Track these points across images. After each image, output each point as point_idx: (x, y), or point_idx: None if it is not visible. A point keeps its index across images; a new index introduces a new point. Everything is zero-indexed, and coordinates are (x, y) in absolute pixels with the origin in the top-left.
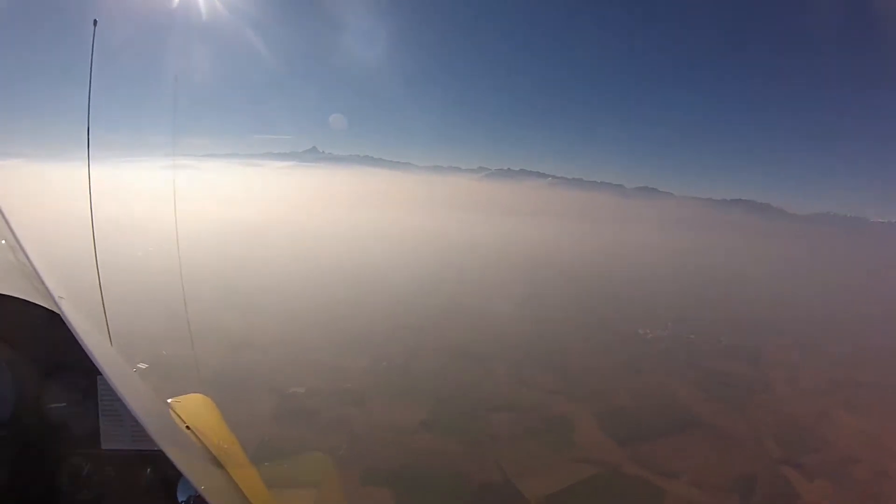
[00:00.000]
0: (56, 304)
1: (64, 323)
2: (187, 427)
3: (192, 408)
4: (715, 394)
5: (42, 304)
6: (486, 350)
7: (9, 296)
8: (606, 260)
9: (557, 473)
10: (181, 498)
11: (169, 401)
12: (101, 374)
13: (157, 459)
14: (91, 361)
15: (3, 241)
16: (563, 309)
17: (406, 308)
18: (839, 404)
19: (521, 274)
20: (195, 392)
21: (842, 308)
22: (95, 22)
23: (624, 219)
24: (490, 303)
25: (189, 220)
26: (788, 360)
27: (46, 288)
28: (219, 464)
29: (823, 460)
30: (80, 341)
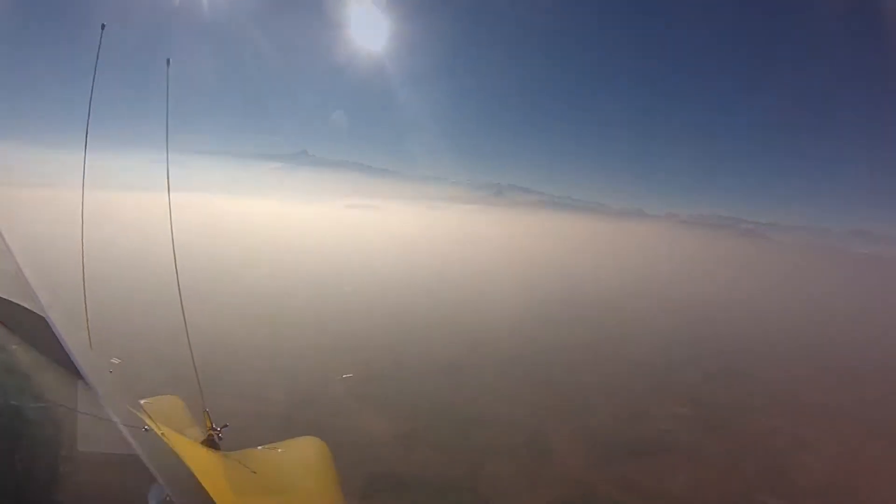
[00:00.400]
0: (41, 306)
1: (48, 325)
2: (155, 430)
3: (164, 409)
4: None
5: (26, 306)
6: (476, 362)
7: None
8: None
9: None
10: (152, 502)
11: (142, 402)
12: (80, 376)
13: (133, 463)
14: (72, 363)
15: None
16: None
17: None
18: (825, 429)
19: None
20: (168, 392)
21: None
22: (103, 26)
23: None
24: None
25: (179, 215)
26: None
27: (33, 290)
28: (187, 467)
29: (805, 488)
30: (62, 343)
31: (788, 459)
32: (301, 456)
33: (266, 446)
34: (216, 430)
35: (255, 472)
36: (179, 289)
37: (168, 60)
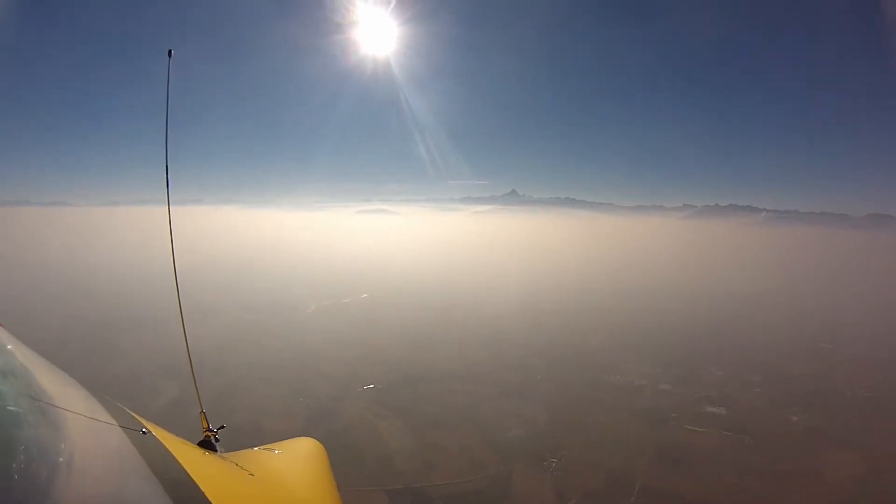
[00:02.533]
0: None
1: None
2: (153, 432)
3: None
4: None
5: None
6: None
7: None
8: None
9: None
10: None
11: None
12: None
13: (130, 465)
14: None
15: None
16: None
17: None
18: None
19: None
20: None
21: None
22: (170, 52)
23: (852, 252)
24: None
25: (393, 261)
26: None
27: None
28: (184, 470)
29: None
30: None
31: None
32: (297, 456)
33: (262, 447)
34: (213, 431)
35: (252, 475)
36: (180, 303)
37: (170, 52)
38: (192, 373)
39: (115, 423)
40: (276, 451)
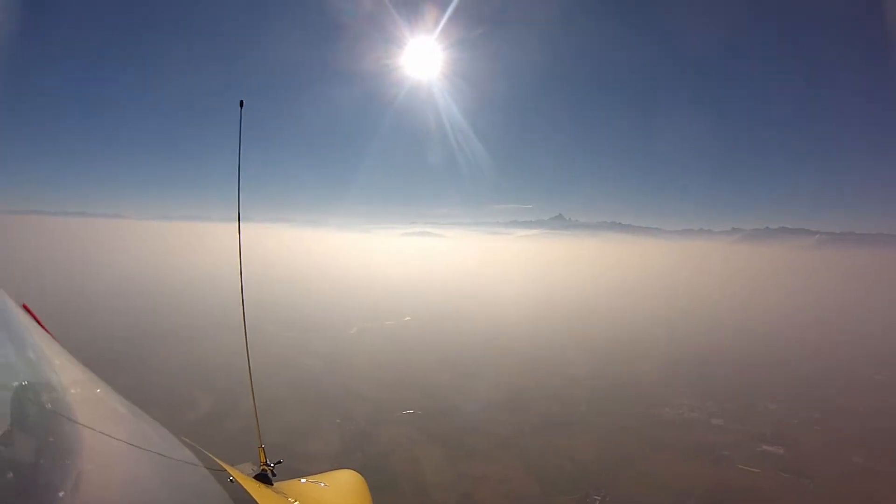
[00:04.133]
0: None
1: None
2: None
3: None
4: None
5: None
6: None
7: None
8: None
9: None
10: None
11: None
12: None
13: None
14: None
15: None
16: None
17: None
18: None
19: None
20: None
21: None
22: (242, 103)
23: None
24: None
25: (437, 285)
26: None
27: None
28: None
29: None
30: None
31: None
32: (345, 491)
33: (309, 479)
34: (270, 466)
35: None
36: (245, 331)
37: (241, 102)
38: (255, 408)
39: (202, 466)
40: (322, 484)
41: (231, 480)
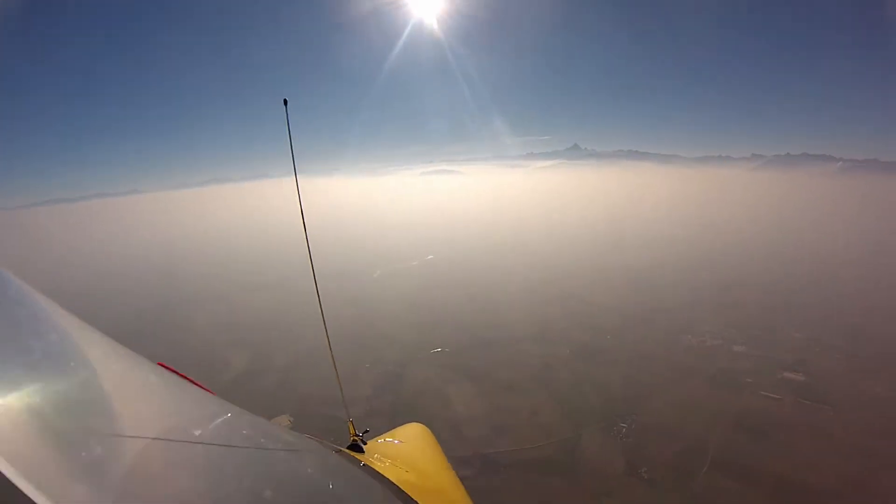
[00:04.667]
0: None
1: None
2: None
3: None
4: None
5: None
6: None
7: None
8: None
9: None
10: None
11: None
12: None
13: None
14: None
15: None
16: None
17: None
18: None
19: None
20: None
21: None
22: (286, 101)
23: None
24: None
25: (458, 222)
26: None
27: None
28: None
29: None
30: None
31: None
32: (414, 442)
33: (381, 438)
34: (359, 435)
35: (407, 471)
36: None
37: (286, 101)
38: (340, 385)
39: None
40: (396, 441)
41: (337, 451)
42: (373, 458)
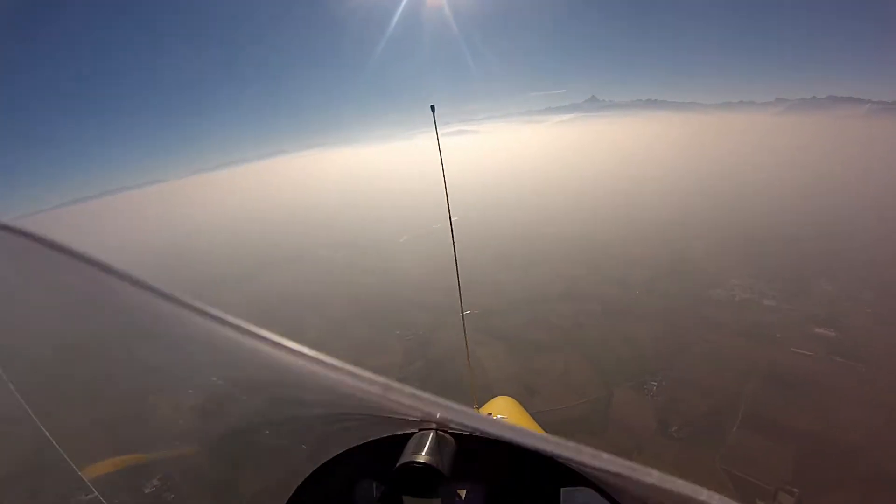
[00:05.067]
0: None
1: None
2: None
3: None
4: None
5: None
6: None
7: None
8: None
9: None
10: None
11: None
12: None
13: None
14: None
15: None
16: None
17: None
18: None
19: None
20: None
21: None
22: (433, 107)
23: None
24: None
25: (478, 182)
26: None
27: None
28: None
29: None
30: None
31: None
32: (517, 417)
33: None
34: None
35: None
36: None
37: (433, 107)
38: (468, 362)
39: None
40: (491, 414)
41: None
42: None
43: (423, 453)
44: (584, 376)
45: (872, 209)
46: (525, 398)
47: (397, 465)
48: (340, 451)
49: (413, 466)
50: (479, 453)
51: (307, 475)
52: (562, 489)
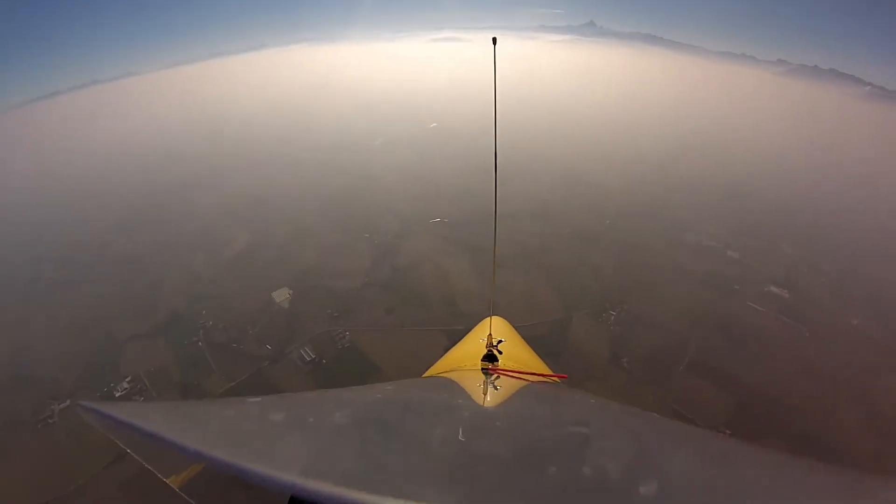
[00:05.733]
0: None
1: None
2: None
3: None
4: None
5: None
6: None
7: None
8: None
9: None
10: None
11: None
12: None
13: None
14: None
15: None
16: None
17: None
18: None
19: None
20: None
21: None
22: (494, 40)
23: None
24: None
25: (464, 90)
26: None
27: None
28: None
29: None
30: None
31: None
32: (505, 336)
33: (468, 337)
34: (494, 346)
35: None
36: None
37: (494, 39)
38: (493, 284)
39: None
40: (481, 340)
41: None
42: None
43: None
44: (545, 298)
45: (854, 189)
46: (486, 313)
47: None
48: None
49: None
50: None
51: None
52: None
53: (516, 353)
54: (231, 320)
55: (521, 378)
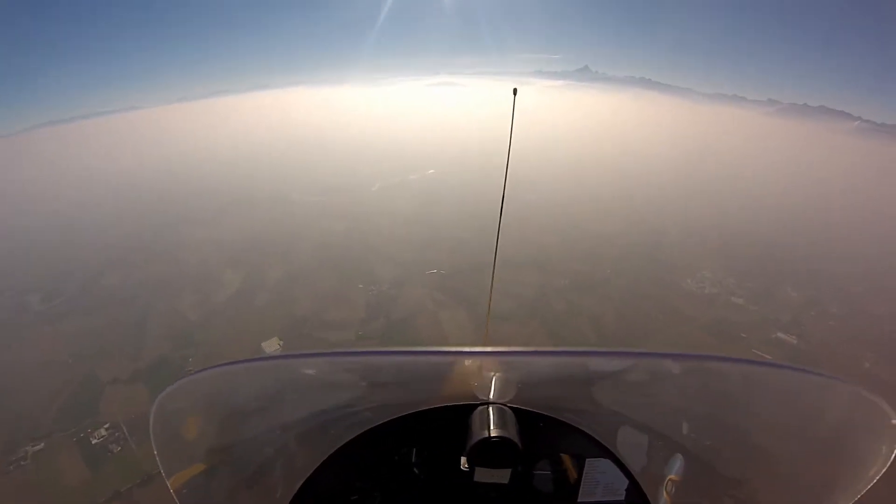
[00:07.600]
0: None
1: None
2: None
3: None
4: None
5: None
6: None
7: None
8: None
9: None
10: None
11: None
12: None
13: None
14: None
15: None
16: None
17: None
18: None
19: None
20: None
21: None
22: (515, 91)
23: None
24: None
25: (461, 136)
26: None
27: None
28: None
29: None
30: None
31: None
32: None
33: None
34: None
35: None
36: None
37: (515, 90)
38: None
39: None
40: None
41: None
42: None
43: (494, 427)
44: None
45: (848, 225)
46: None
47: (476, 439)
48: (391, 418)
49: (491, 441)
50: (530, 425)
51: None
52: (587, 459)
53: None
54: None
55: None
